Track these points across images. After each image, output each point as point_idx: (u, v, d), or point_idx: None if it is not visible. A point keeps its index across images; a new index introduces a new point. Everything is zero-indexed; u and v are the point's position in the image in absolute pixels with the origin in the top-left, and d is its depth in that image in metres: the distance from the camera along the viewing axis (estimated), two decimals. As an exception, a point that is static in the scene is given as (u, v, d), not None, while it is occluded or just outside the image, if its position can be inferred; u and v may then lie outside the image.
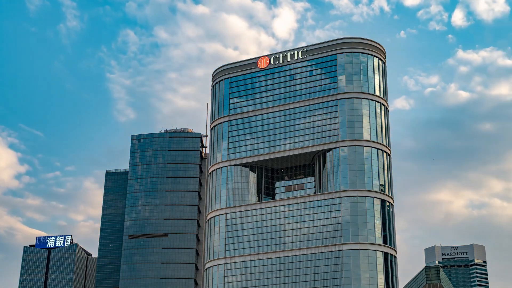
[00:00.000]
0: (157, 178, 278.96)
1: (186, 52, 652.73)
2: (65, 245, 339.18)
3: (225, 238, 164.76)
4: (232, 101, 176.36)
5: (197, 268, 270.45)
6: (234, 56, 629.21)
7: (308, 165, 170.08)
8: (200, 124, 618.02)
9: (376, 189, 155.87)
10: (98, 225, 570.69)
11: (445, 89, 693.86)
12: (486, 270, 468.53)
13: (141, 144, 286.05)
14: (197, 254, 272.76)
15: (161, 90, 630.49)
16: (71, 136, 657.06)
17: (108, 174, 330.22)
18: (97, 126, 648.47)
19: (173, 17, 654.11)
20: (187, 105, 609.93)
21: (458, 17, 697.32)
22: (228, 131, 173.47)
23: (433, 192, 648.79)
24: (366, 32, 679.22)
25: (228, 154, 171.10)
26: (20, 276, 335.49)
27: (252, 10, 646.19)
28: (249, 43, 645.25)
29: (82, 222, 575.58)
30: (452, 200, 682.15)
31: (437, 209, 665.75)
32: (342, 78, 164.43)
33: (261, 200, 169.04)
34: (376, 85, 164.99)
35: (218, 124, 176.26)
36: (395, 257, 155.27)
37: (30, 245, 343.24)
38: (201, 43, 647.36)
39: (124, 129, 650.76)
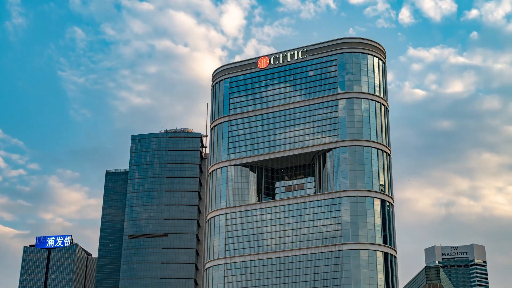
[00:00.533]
0: (157, 178, 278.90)
1: (136, 49, 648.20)
2: (65, 245, 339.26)
3: (225, 238, 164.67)
4: (232, 101, 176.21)
5: (197, 268, 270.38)
6: (185, 52, 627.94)
7: (308, 165, 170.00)
8: (159, 122, 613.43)
9: (376, 189, 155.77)
10: (68, 223, 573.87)
11: (400, 87, 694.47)
12: (486, 270, 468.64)
13: (141, 144, 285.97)
14: (197, 254, 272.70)
15: (115, 88, 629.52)
16: (30, 134, 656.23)
17: (108, 174, 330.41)
18: (55, 125, 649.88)
19: (119, 14, 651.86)
20: (143, 102, 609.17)
21: (405, 15, 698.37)
22: (228, 131, 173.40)
23: (398, 190, 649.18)
24: (315, 29, 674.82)
25: (228, 154, 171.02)
26: (20, 276, 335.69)
27: (198, 7, 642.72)
28: (199, 40, 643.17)
29: (50, 221, 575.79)
30: (418, 198, 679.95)
31: (404, 207, 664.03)
32: (342, 78, 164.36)
33: (261, 200, 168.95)
34: (376, 85, 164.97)
35: (218, 124, 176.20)
36: (395, 257, 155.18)
37: (30, 245, 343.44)
38: (150, 40, 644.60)
39: (82, 127, 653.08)
